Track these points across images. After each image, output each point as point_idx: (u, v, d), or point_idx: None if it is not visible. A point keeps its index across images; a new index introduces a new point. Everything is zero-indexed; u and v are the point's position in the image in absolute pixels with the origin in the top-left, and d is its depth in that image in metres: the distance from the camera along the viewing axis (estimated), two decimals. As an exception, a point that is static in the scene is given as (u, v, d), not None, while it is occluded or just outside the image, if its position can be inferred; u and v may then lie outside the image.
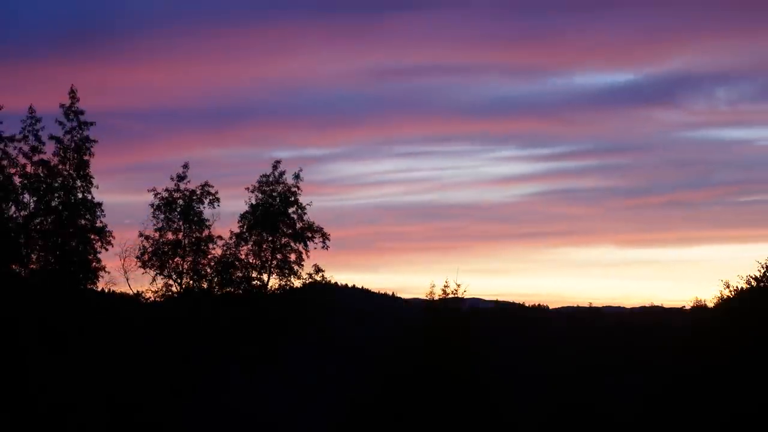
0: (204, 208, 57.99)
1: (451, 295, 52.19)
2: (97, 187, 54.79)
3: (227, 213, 59.46)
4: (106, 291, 58.14)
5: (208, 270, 58.31)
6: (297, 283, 59.20)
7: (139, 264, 57.21)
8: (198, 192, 58.04)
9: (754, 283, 53.19)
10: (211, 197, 58.14)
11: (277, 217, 58.97)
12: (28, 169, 53.47)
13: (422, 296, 55.52)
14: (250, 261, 58.97)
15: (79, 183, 54.19)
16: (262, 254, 58.98)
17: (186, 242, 57.87)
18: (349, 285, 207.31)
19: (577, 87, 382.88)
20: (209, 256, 58.33)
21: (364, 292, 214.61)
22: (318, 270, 58.63)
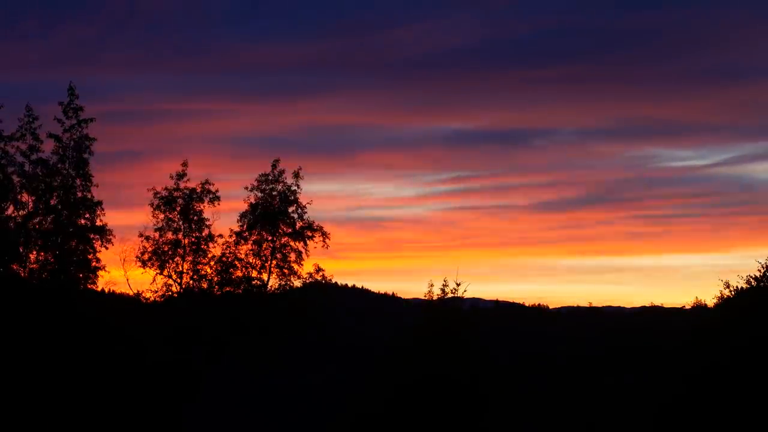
0: (204, 206, 57.99)
1: (450, 295, 52.08)
2: (97, 186, 54.83)
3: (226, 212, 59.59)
4: (106, 291, 58.14)
5: (208, 270, 58.29)
6: (297, 282, 59.18)
7: (139, 264, 57.23)
8: (198, 190, 58.02)
9: (754, 283, 53.14)
10: (211, 195, 58.14)
11: (277, 217, 58.93)
12: (27, 168, 53.45)
13: (422, 296, 55.43)
14: (250, 260, 58.96)
15: (78, 182, 54.14)
16: (262, 254, 58.94)
17: (186, 242, 57.84)
18: (349, 285, 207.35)
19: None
20: (209, 256, 58.31)
21: (364, 292, 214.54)
22: (318, 270, 58.64)
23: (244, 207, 59.29)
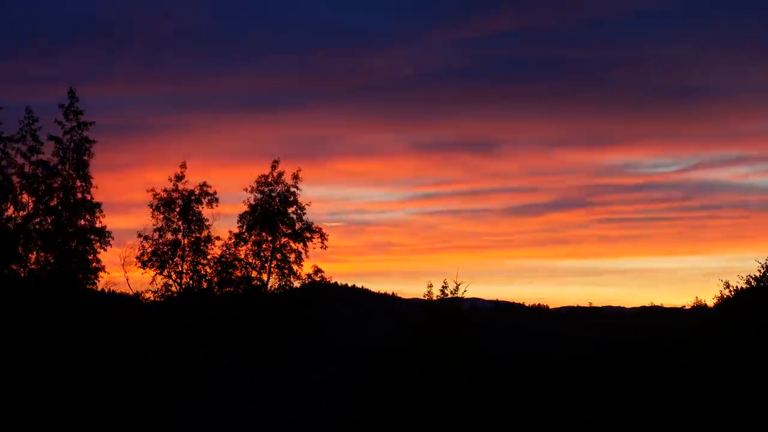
0: (203, 207, 58.03)
1: (450, 295, 52.07)
2: (96, 187, 54.89)
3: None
4: (106, 291, 58.14)
5: (208, 270, 58.31)
6: (297, 283, 59.20)
7: (138, 264, 57.25)
8: (196, 192, 58.07)
9: (754, 283, 53.17)
10: (209, 197, 58.17)
11: (276, 217, 58.96)
12: (27, 169, 53.51)
13: (422, 296, 55.41)
14: (250, 261, 58.99)
15: (78, 183, 54.20)
16: (262, 254, 58.97)
17: (185, 242, 57.87)
18: (349, 285, 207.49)
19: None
20: (209, 257, 58.34)
21: (364, 292, 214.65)
22: (317, 271, 58.66)
23: (238, 211, 59.37)
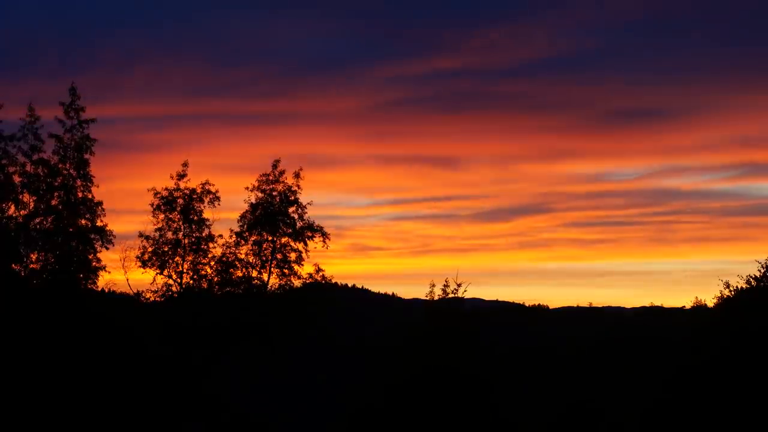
0: (204, 206, 57.99)
1: (451, 295, 52.13)
2: (98, 186, 54.84)
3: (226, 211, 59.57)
4: (106, 291, 58.11)
5: (208, 270, 58.27)
6: (297, 282, 59.14)
7: (139, 264, 57.20)
8: (198, 191, 58.02)
9: (754, 283, 53.23)
10: (211, 196, 58.13)
11: (277, 217, 58.92)
12: (28, 168, 53.48)
13: (422, 296, 55.43)
14: (250, 260, 58.94)
15: (79, 182, 54.17)
16: (262, 254, 58.92)
17: (186, 242, 57.84)
18: (349, 285, 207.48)
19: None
20: (209, 256, 58.30)
21: (364, 292, 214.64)
22: (318, 270, 58.62)
23: (237, 213, 59.31)
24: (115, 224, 55.81)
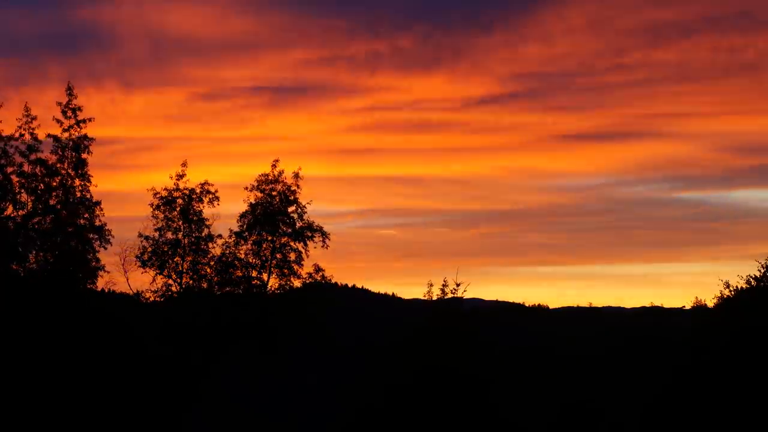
0: (203, 206, 57.94)
1: (450, 295, 52.05)
2: (96, 186, 54.79)
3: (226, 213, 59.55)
4: (106, 291, 58.07)
5: (208, 270, 58.21)
6: (297, 282, 59.09)
7: (138, 264, 57.15)
8: (197, 191, 57.97)
9: (754, 283, 53.19)
10: (210, 196, 58.07)
11: (277, 217, 58.85)
12: (26, 167, 53.43)
13: (422, 296, 55.37)
14: (250, 260, 58.88)
15: (77, 182, 54.11)
16: (262, 254, 58.86)
17: (186, 242, 57.79)
18: (349, 285, 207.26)
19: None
20: (209, 256, 58.24)
21: (364, 292, 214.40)
22: (318, 269, 58.54)
23: (237, 212, 59.27)
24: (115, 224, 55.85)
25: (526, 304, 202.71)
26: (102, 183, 55.76)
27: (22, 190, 53.35)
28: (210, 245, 58.16)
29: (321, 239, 59.09)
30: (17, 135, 53.28)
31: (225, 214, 59.56)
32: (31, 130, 53.68)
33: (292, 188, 59.40)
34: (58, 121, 54.29)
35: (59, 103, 54.36)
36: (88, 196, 54.31)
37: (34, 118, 53.92)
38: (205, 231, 58.08)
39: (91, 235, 54.11)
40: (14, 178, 53.27)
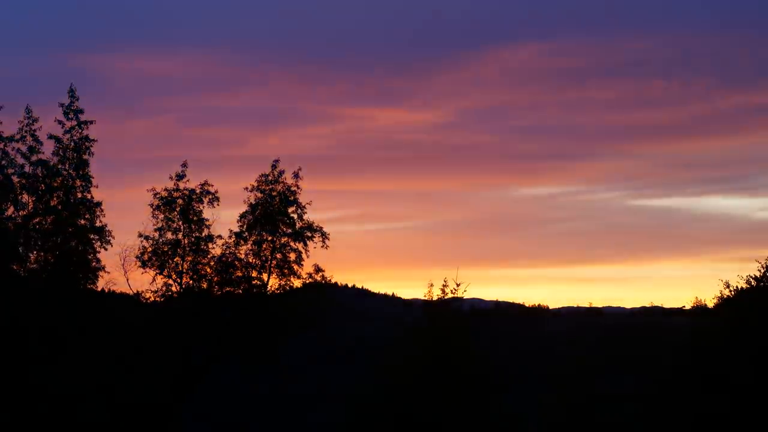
0: (204, 206, 58.01)
1: (450, 295, 52.10)
2: (97, 187, 54.95)
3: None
4: (106, 291, 58.16)
5: (208, 270, 58.28)
6: (297, 283, 59.17)
7: (138, 264, 57.23)
8: (197, 191, 58.04)
9: (754, 283, 53.19)
10: (210, 196, 58.14)
11: (277, 217, 58.92)
12: (27, 169, 53.57)
13: (422, 296, 55.39)
14: (250, 261, 58.95)
15: (78, 183, 54.24)
16: (262, 254, 58.94)
17: (186, 242, 57.86)
18: (349, 285, 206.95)
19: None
20: (209, 256, 58.31)
21: (364, 292, 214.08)
22: (318, 270, 58.62)
23: (238, 212, 59.35)
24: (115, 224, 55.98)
25: (527, 305, 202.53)
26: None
27: (23, 191, 53.51)
28: (210, 245, 58.28)
29: (321, 239, 59.23)
30: (18, 137, 53.49)
31: (224, 215, 59.76)
32: (32, 132, 53.87)
33: (292, 188, 59.51)
34: (59, 122, 54.52)
35: (61, 105, 54.59)
36: (89, 197, 54.51)
37: (36, 120, 54.13)
38: (205, 231, 58.19)
39: (92, 236, 54.24)
40: (15, 179, 53.41)
